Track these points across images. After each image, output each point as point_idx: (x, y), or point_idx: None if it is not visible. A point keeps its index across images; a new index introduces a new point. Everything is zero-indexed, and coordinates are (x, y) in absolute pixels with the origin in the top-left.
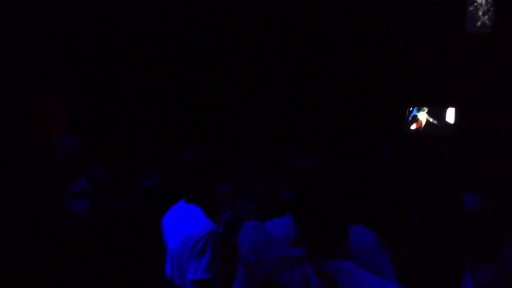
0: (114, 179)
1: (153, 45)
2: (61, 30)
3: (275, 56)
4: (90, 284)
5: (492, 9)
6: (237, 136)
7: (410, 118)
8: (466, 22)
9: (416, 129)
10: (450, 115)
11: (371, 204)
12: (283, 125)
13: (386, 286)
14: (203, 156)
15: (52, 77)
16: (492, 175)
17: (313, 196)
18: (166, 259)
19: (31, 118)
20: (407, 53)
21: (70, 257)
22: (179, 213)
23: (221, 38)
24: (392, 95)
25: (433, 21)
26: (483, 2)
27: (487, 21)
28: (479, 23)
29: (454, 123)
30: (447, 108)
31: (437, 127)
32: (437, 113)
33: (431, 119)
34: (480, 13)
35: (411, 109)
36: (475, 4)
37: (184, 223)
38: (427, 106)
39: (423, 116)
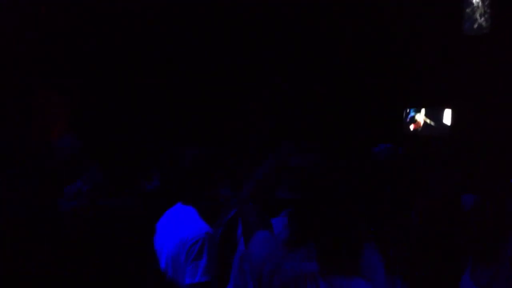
0: (113, 179)
1: (153, 45)
2: (61, 30)
3: (275, 56)
4: (89, 284)
5: (488, 11)
6: (237, 136)
7: (408, 119)
8: (463, 24)
9: (415, 130)
10: (447, 116)
11: (371, 204)
12: (283, 125)
13: None
14: (203, 156)
15: (52, 77)
16: (491, 175)
17: (313, 195)
18: (160, 263)
19: (31, 118)
20: (405, 53)
21: (70, 257)
22: (174, 216)
23: (221, 38)
24: (392, 95)
25: (431, 22)
26: (480, 4)
27: (484, 23)
28: (476, 25)
29: (451, 124)
30: (444, 109)
31: (435, 129)
32: (434, 114)
33: (428, 121)
34: (477, 15)
35: (408, 110)
36: (472, 6)
37: (179, 226)
38: (424, 107)
39: (420, 117)
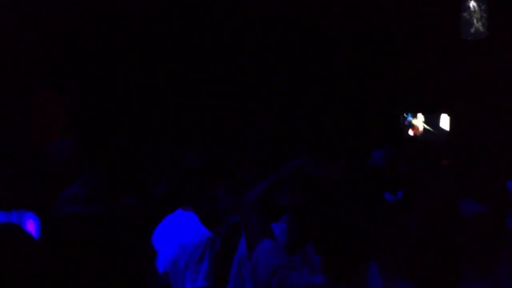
0: (112, 180)
1: (153, 45)
2: (61, 30)
3: (275, 56)
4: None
5: (485, 15)
6: (237, 136)
7: (406, 124)
8: (460, 29)
9: (414, 135)
10: (445, 121)
11: (371, 204)
12: (283, 125)
13: None
14: (203, 157)
15: (52, 77)
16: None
17: (313, 197)
18: (158, 268)
19: (31, 118)
20: (403, 55)
21: (69, 258)
22: (174, 222)
23: (221, 38)
24: (392, 96)
25: (428, 26)
26: (477, 9)
27: (481, 27)
28: (473, 29)
29: (449, 129)
30: (441, 114)
31: (433, 134)
32: (432, 119)
33: (426, 126)
34: (474, 19)
35: (405, 115)
36: (469, 10)
37: (179, 232)
38: (422, 113)
39: (419, 122)
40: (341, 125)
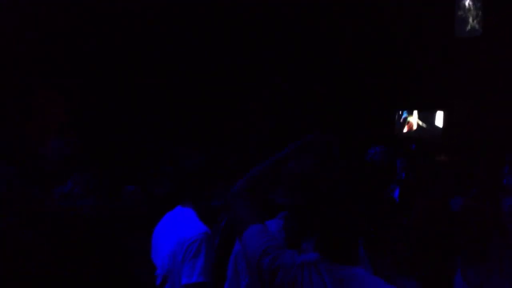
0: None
1: (153, 45)
2: (61, 30)
3: (275, 56)
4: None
5: (480, 13)
6: (237, 136)
7: (401, 121)
8: (455, 27)
9: (408, 132)
10: (439, 119)
11: (371, 204)
12: (283, 125)
13: None
14: (203, 157)
15: (52, 77)
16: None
17: (313, 197)
18: (157, 263)
19: (31, 118)
20: (401, 54)
21: (69, 257)
22: (173, 218)
23: (221, 38)
24: (390, 95)
25: (424, 26)
26: (472, 7)
27: (476, 25)
28: (468, 27)
29: (443, 126)
30: (436, 111)
31: (427, 130)
32: (426, 116)
33: (420, 123)
34: (470, 17)
35: (400, 112)
36: (464, 8)
37: (177, 227)
38: (417, 109)
39: (413, 119)
40: (341, 125)
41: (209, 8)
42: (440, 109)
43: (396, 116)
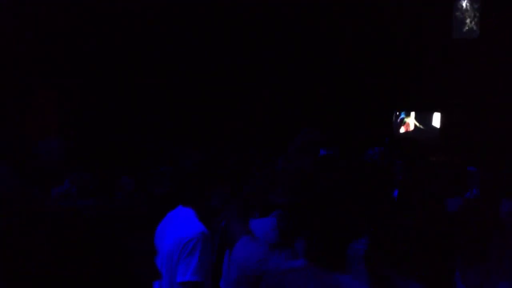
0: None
1: (153, 45)
2: (61, 30)
3: (275, 56)
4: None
5: (478, 15)
6: (237, 136)
7: (398, 121)
8: (452, 28)
9: (405, 133)
10: (436, 119)
11: (371, 204)
12: (283, 125)
13: None
14: (203, 157)
15: (52, 77)
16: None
17: (313, 197)
18: (156, 263)
19: (31, 118)
20: (400, 56)
21: (69, 257)
22: (174, 218)
23: (221, 38)
24: (389, 96)
25: (422, 27)
26: (469, 8)
27: (474, 27)
28: (465, 29)
29: (440, 127)
30: (434, 112)
31: (424, 131)
32: (424, 117)
33: (417, 124)
34: (467, 19)
35: (398, 113)
36: (462, 10)
37: (177, 227)
38: (415, 110)
39: (410, 120)
40: (340, 125)
41: (209, 8)
42: (438, 110)
43: (394, 117)
